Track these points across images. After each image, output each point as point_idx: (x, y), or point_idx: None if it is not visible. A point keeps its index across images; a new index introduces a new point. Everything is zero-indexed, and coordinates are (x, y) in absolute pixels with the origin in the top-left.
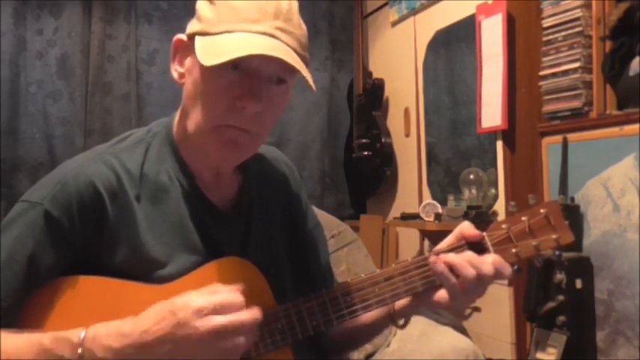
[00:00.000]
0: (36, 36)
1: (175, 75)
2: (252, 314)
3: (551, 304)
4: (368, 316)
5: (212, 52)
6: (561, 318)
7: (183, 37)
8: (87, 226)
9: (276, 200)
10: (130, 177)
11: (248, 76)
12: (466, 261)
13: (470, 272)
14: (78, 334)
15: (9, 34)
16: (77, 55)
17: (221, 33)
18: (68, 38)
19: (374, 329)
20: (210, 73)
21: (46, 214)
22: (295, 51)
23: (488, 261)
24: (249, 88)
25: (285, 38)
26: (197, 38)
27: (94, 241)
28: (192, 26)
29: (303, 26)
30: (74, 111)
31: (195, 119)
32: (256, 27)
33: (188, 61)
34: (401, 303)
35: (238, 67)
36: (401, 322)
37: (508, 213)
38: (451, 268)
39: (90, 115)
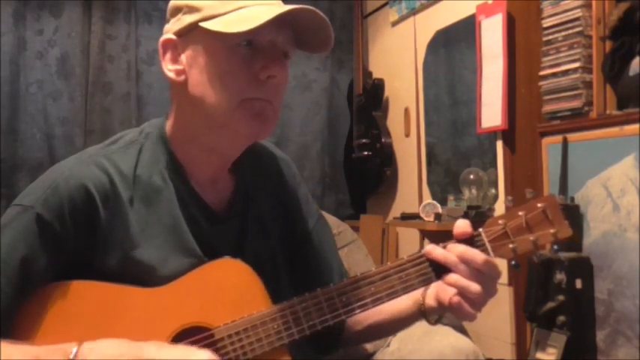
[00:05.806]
0: (36, 36)
1: (172, 74)
2: None
3: (551, 304)
4: (396, 310)
5: (236, 23)
6: (561, 318)
7: (170, 36)
8: (79, 230)
9: (273, 198)
10: (123, 179)
11: (262, 50)
12: (456, 255)
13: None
14: (71, 347)
15: (9, 34)
16: (77, 55)
17: (232, 11)
18: (68, 38)
19: (403, 323)
20: (223, 52)
21: (38, 218)
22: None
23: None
24: (270, 58)
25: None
26: (205, 23)
27: (86, 245)
28: (184, 19)
29: None
30: (74, 111)
31: (214, 102)
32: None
33: (186, 55)
34: (431, 303)
35: (251, 43)
36: (433, 318)
37: (505, 208)
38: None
39: (90, 115)
